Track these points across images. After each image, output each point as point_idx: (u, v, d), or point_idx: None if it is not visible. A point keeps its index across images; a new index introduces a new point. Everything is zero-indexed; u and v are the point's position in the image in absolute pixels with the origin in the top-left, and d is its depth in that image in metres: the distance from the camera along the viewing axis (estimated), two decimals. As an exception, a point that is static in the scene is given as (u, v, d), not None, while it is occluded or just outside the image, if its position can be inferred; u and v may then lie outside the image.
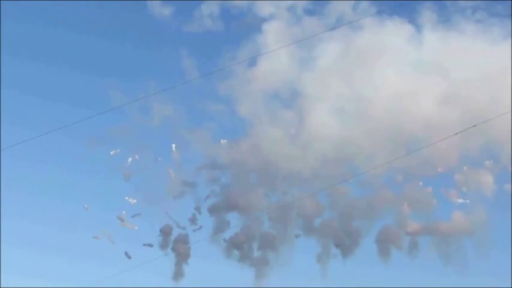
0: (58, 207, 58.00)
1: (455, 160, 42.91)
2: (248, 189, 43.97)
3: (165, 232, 43.88)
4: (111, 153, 43.92)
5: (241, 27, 45.80)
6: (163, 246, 43.90)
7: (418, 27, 43.48)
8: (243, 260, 43.81)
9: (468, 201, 43.24)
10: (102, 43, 61.32)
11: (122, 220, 43.90)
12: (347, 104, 42.93)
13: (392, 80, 42.19)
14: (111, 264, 46.53)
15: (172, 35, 50.18)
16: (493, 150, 42.62)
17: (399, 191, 43.64)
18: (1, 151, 37.41)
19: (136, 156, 44.00)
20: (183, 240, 43.87)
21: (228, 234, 44.05)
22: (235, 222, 44.00)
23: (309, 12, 45.32)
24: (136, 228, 43.86)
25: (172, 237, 43.99)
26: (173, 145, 44.51)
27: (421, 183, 43.41)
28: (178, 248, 43.64)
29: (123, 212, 43.95)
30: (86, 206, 44.80)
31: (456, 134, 37.83)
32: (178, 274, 43.80)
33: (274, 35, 44.33)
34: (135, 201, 43.78)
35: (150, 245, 43.94)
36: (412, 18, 43.69)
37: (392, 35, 43.30)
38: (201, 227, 44.03)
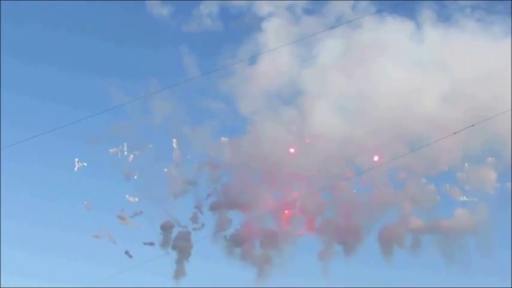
0: (58, 207, 57.84)
1: (458, 158, 42.79)
2: (250, 187, 43.85)
3: (166, 230, 43.73)
4: (111, 150, 43.80)
5: (241, 26, 45.77)
6: (164, 244, 43.81)
7: (419, 25, 43.41)
8: (244, 258, 43.79)
9: (471, 199, 43.18)
10: (101, 43, 61.19)
11: (123, 219, 43.73)
12: (349, 101, 42.80)
13: (393, 78, 42.04)
14: (112, 263, 46.38)
15: (171, 35, 50.02)
16: (495, 148, 42.47)
17: (402, 188, 43.61)
18: (1, 151, 37.29)
19: (137, 153, 43.86)
20: (184, 238, 43.73)
21: (229, 232, 44.14)
22: (237, 220, 44.21)
23: (308, 11, 45.33)
24: (138, 226, 43.74)
25: (173, 235, 43.97)
26: (174, 140, 44.42)
27: (423, 181, 43.28)
28: (180, 246, 43.50)
29: (124, 211, 43.88)
30: (84, 202, 44.65)
31: (455, 133, 37.86)
32: (179, 273, 43.69)
33: (274, 33, 44.28)
34: (136, 199, 43.66)
35: (151, 244, 43.83)
36: (412, 17, 43.68)
37: (393, 32, 43.19)
38: (203, 225, 44.04)
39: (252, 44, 44.28)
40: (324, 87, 43.39)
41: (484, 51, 41.20)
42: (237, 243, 43.58)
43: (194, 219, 44.08)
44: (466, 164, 43.49)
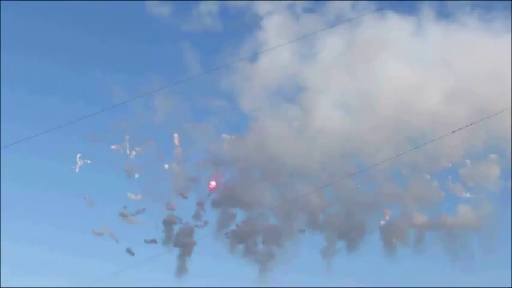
0: (60, 204, 57.96)
1: (461, 154, 42.69)
2: (252, 184, 43.78)
3: (168, 227, 43.67)
4: (112, 147, 43.75)
5: (241, 25, 45.70)
6: (166, 241, 43.74)
7: (420, 22, 43.26)
8: (247, 255, 43.73)
9: (473, 195, 43.10)
10: (103, 40, 61.38)
11: (125, 216, 43.65)
12: (351, 98, 42.71)
13: (395, 75, 41.97)
14: (114, 261, 46.37)
15: (172, 33, 50.07)
16: (498, 145, 42.33)
17: (405, 185, 43.48)
18: (1, 148, 37.24)
19: (138, 149, 43.80)
20: (186, 235, 43.65)
21: (232, 229, 43.95)
22: (239, 217, 44.02)
23: (308, 10, 45.25)
24: (140, 224, 43.63)
25: (176, 232, 43.86)
26: (175, 135, 44.35)
27: (426, 178, 43.13)
28: (182, 243, 43.41)
29: (126, 208, 43.78)
30: (86, 197, 44.56)
31: (454, 131, 37.65)
32: (181, 270, 43.64)
33: (274, 31, 44.20)
34: (138, 196, 43.58)
35: (154, 242, 43.76)
36: (413, 14, 43.59)
37: (394, 29, 43.10)
38: (206, 222, 43.95)
39: (252, 41, 44.28)
40: (326, 83, 43.29)
41: (487, 47, 41.05)
42: (239, 239, 43.50)
43: (197, 216, 44.01)
44: (469, 161, 43.39)
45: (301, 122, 43.43)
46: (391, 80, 42.02)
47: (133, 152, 44.06)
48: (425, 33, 42.87)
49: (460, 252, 42.72)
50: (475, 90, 40.88)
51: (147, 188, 44.14)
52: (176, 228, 44.07)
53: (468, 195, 43.01)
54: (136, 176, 44.12)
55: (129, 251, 43.60)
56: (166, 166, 44.52)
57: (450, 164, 42.98)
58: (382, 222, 43.40)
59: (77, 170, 43.97)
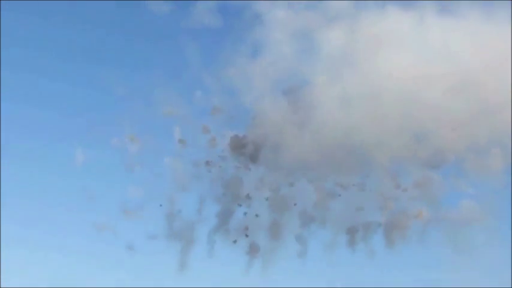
0: (61, 201, 57.97)
1: (464, 148, 42.55)
2: (255, 179, 43.69)
3: (170, 223, 43.61)
4: (115, 141, 43.76)
5: (241, 21, 45.60)
6: (168, 237, 43.66)
7: (421, 14, 43.09)
8: (249, 250, 43.65)
9: (476, 189, 42.99)
10: (106, 37, 61.73)
11: (127, 212, 43.58)
12: (354, 92, 42.55)
13: (397, 67, 41.82)
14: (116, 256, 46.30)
15: (173, 30, 50.13)
16: (501, 140, 42.12)
17: (408, 179, 43.32)
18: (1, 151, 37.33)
19: (137, 140, 43.78)
20: (188, 230, 43.58)
21: (233, 225, 44.05)
22: (241, 211, 43.93)
23: (309, 7, 45.12)
24: (141, 218, 43.55)
25: (178, 227, 43.74)
26: (176, 129, 44.29)
27: (429, 172, 43.01)
28: (183, 238, 43.34)
29: (127, 203, 43.73)
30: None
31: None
32: (183, 265, 43.54)
33: (276, 26, 44.12)
34: (139, 191, 43.51)
35: (155, 237, 43.66)
36: (414, 6, 43.40)
37: (396, 23, 42.98)
38: (206, 218, 43.84)
39: (254, 37, 44.19)
40: (329, 78, 43.21)
41: (489, 39, 40.89)
42: (241, 234, 43.38)
43: (198, 211, 43.92)
44: (472, 155, 43.21)
45: (304, 117, 43.28)
46: (393, 73, 41.84)
47: (133, 147, 44.04)
48: (426, 25, 42.70)
49: (462, 246, 42.62)
50: (478, 82, 40.70)
51: (149, 183, 44.10)
52: (178, 223, 44.03)
53: (470, 189, 42.93)
54: (137, 170, 44.11)
55: (129, 248, 43.52)
56: (169, 162, 44.49)
57: (453, 158, 42.80)
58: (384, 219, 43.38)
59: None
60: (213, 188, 44.45)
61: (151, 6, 46.73)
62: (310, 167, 43.35)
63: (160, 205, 43.70)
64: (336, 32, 43.47)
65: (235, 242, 43.89)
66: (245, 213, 43.75)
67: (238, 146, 44.15)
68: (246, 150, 44.01)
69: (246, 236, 43.81)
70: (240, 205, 43.83)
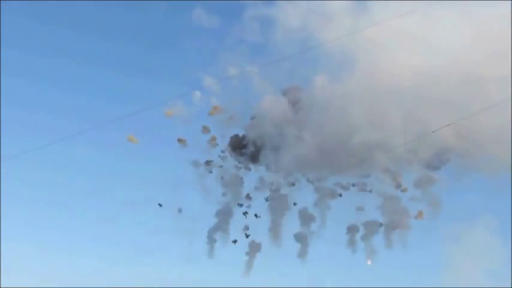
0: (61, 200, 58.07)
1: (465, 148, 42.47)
2: (255, 179, 44.15)
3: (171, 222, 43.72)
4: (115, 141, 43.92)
5: (241, 22, 45.59)
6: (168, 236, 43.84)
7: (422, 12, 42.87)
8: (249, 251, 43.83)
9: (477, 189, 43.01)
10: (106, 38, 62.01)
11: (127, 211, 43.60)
12: (354, 91, 42.47)
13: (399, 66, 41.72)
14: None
15: (173, 30, 50.19)
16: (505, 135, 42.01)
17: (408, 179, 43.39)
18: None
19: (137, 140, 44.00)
20: (188, 230, 43.68)
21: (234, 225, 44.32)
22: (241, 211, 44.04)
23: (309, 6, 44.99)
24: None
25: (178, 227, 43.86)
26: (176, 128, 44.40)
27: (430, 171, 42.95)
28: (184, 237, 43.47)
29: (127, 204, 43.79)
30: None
31: (433, 131, 38.24)
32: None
33: (276, 26, 44.14)
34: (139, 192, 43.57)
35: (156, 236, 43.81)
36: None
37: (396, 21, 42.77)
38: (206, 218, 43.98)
39: (254, 37, 44.25)
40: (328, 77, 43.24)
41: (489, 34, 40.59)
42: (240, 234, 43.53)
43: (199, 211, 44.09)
44: (472, 155, 43.13)
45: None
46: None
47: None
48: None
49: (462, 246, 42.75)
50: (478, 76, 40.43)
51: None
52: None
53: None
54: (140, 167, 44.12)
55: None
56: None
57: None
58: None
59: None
60: (213, 188, 44.64)
61: (151, 7, 46.83)
62: (311, 167, 43.39)
63: (160, 205, 43.93)
64: (336, 32, 43.47)
65: (235, 242, 44.08)
66: (245, 213, 43.96)
67: (238, 146, 44.22)
68: (246, 150, 44.11)
69: (246, 236, 43.99)
70: (240, 205, 44.01)
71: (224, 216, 44.36)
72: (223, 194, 44.60)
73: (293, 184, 44.09)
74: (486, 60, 39.70)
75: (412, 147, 41.07)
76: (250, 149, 43.65)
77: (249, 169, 44.58)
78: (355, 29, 42.49)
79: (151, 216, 44.80)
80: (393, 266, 48.75)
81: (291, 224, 44.04)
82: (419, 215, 42.90)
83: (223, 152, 44.75)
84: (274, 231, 43.89)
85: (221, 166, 44.69)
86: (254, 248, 44.06)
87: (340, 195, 43.62)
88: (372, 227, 43.12)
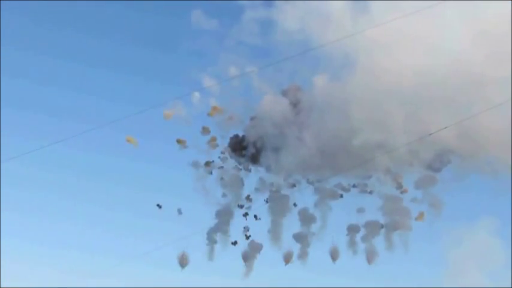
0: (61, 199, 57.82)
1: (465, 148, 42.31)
2: (255, 180, 44.17)
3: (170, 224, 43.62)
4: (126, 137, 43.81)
5: (241, 22, 45.36)
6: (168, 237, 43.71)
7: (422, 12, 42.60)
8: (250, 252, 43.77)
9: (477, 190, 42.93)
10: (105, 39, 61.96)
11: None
12: (354, 91, 42.30)
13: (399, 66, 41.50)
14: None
15: (172, 31, 50.09)
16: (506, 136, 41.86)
17: (410, 176, 43.28)
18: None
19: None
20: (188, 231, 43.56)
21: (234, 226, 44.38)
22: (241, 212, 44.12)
23: (309, 7, 44.74)
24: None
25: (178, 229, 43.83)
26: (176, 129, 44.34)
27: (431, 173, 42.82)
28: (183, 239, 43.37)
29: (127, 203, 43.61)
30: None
31: (430, 134, 38.26)
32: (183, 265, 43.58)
33: (276, 27, 43.96)
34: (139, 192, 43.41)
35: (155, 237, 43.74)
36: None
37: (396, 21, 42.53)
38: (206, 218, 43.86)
39: (254, 37, 44.08)
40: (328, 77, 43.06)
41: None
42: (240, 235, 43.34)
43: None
44: (472, 155, 42.97)
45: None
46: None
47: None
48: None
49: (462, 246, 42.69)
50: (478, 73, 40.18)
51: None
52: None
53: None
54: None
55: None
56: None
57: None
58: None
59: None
60: (213, 189, 44.52)
61: (150, 8, 46.68)
62: (311, 168, 43.26)
63: (160, 206, 43.84)
64: (336, 33, 43.25)
65: (235, 243, 43.99)
66: (245, 215, 43.87)
67: (238, 147, 44.11)
68: (246, 151, 43.97)
69: (246, 237, 43.90)
70: (241, 206, 43.91)
71: (224, 217, 44.28)
72: (223, 195, 44.58)
73: (293, 185, 44.05)
74: (487, 60, 39.42)
75: (413, 148, 40.97)
76: (251, 150, 43.51)
77: (249, 170, 44.51)
78: (355, 30, 42.37)
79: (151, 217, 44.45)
80: (394, 267, 48.41)
81: (291, 225, 44.16)
82: (420, 216, 42.88)
83: (223, 153, 44.67)
84: (275, 232, 43.84)
85: (221, 167, 44.64)
86: (254, 248, 44.02)
87: (341, 196, 43.60)
88: (372, 228, 43.09)
